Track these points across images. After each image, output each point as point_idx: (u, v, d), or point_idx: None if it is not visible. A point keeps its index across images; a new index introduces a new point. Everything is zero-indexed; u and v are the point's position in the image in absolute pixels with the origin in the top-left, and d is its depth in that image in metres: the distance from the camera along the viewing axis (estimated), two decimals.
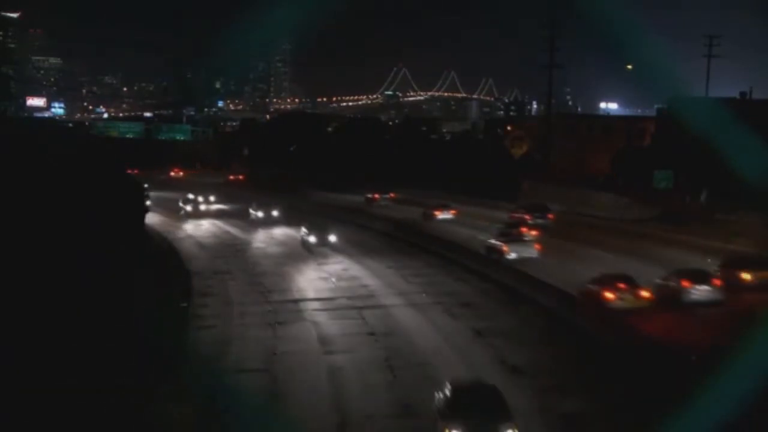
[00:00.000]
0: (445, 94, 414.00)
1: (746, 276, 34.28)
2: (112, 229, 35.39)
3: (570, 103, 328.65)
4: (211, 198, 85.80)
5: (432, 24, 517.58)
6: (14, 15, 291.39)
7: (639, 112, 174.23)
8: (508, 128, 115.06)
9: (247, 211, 72.55)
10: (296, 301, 38.59)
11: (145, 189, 69.61)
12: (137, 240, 45.70)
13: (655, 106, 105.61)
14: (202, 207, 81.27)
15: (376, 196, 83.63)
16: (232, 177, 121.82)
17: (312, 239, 52.94)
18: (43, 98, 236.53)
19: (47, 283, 26.23)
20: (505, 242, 45.48)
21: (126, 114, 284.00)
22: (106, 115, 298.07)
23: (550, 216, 60.98)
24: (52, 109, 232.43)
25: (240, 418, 23.20)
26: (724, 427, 18.15)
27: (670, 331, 28.10)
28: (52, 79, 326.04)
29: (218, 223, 71.73)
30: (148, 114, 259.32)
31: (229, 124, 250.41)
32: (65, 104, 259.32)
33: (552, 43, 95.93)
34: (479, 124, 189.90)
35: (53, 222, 30.01)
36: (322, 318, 34.99)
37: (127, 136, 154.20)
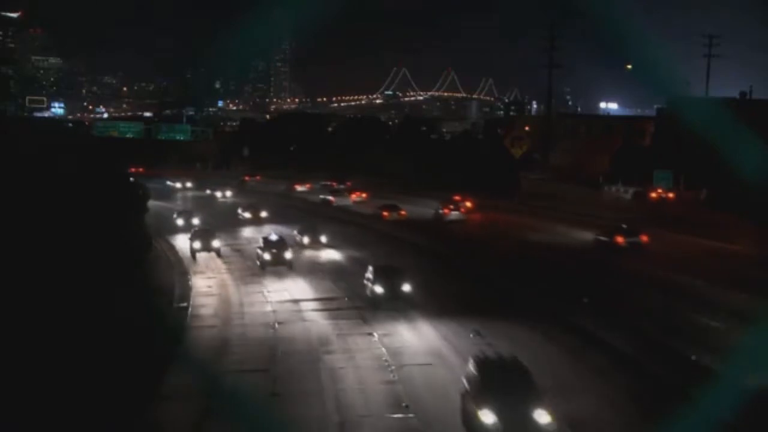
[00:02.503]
0: (445, 94, 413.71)
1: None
2: (111, 229, 35.41)
3: (570, 103, 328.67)
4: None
5: (432, 24, 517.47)
6: (14, 15, 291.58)
7: (639, 112, 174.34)
8: (508, 128, 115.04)
9: None
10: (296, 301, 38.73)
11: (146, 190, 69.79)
12: (137, 240, 45.71)
13: (655, 106, 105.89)
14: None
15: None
16: (247, 177, 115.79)
17: (379, 289, 35.18)
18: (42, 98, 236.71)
19: (45, 283, 26.22)
20: None
21: (126, 114, 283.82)
22: (106, 115, 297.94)
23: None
24: (52, 109, 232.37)
25: (240, 418, 23.24)
26: None
27: None
28: (52, 79, 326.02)
29: None
30: (148, 114, 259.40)
31: (229, 124, 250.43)
32: (65, 104, 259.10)
33: (552, 43, 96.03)
34: (479, 124, 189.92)
35: (52, 222, 30.01)
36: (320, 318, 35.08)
37: (127, 136, 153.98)
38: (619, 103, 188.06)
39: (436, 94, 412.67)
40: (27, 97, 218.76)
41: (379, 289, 34.78)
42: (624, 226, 48.60)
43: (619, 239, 46.97)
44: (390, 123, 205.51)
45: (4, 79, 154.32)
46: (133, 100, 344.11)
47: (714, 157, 42.26)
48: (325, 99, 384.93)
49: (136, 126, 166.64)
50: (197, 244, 50.82)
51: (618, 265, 41.54)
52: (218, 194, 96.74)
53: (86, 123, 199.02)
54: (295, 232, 55.33)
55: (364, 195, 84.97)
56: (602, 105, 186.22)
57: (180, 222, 64.06)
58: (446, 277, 42.73)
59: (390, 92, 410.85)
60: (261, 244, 46.80)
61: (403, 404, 23.53)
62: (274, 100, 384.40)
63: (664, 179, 65.35)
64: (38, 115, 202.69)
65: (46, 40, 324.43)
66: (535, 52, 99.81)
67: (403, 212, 65.97)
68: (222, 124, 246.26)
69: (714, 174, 53.75)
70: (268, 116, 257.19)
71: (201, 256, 50.85)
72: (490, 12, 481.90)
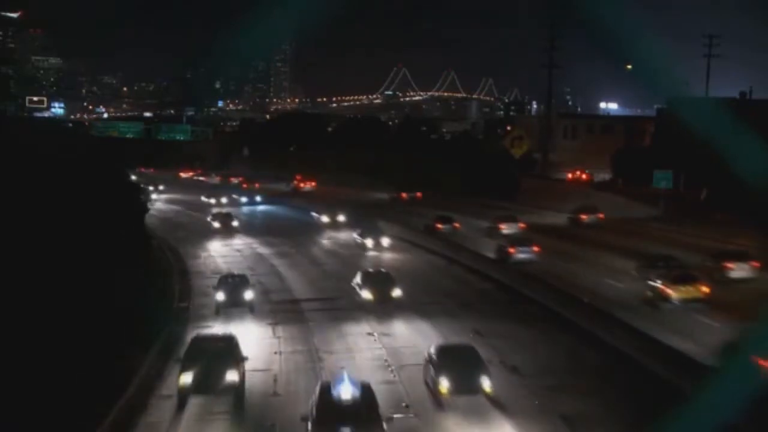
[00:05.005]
0: (445, 94, 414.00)
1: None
2: (111, 229, 35.42)
3: (570, 103, 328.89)
4: None
5: (432, 24, 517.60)
6: (14, 15, 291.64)
7: (639, 112, 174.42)
8: (508, 128, 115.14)
9: None
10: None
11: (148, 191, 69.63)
12: (137, 241, 45.68)
13: (655, 106, 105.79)
14: None
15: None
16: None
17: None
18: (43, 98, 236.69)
19: (45, 283, 26.22)
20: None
21: (126, 114, 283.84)
22: (106, 115, 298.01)
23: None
24: (52, 109, 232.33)
25: (240, 418, 23.24)
26: None
27: None
28: (52, 79, 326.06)
29: None
30: (148, 114, 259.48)
31: (229, 124, 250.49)
32: (65, 104, 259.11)
33: (552, 43, 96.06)
34: (479, 124, 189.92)
35: (52, 222, 30.01)
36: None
37: (127, 136, 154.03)
38: (619, 103, 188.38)
39: (436, 94, 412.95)
40: (27, 97, 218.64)
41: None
42: None
43: None
44: (390, 123, 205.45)
45: (4, 79, 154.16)
46: (133, 100, 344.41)
47: (714, 157, 42.23)
48: (325, 99, 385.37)
49: (136, 126, 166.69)
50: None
51: None
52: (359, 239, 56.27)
53: (86, 123, 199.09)
54: (356, 235, 55.01)
55: (312, 183, 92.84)
56: (602, 105, 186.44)
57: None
58: None
59: (390, 92, 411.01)
60: (217, 283, 37.46)
61: (403, 404, 23.56)
62: (274, 100, 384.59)
63: (664, 179, 65.29)
64: (38, 115, 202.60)
65: (46, 40, 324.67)
66: (535, 52, 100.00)
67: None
68: (222, 124, 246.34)
69: (714, 174, 53.75)
70: (268, 116, 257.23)
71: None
72: (491, 12, 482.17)
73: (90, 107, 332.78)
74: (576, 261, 46.33)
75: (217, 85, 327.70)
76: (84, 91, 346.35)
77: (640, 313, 32.89)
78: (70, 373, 22.50)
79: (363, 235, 53.84)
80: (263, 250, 54.90)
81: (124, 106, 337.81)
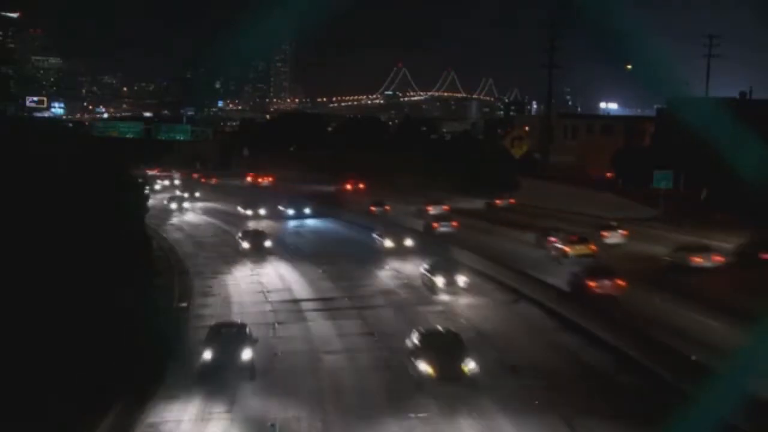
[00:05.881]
0: (445, 94, 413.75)
1: None
2: (111, 230, 35.35)
3: (570, 103, 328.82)
4: None
5: (432, 24, 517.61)
6: (14, 15, 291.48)
7: (639, 112, 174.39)
8: (508, 128, 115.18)
9: None
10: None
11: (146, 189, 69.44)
12: (137, 241, 45.58)
13: (655, 106, 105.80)
14: None
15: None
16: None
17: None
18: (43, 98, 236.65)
19: (43, 284, 26.19)
20: None
21: (126, 114, 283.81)
22: (106, 115, 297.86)
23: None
24: (52, 109, 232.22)
25: (240, 418, 23.24)
26: None
27: None
28: (52, 79, 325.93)
29: None
30: (148, 114, 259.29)
31: (229, 124, 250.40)
32: (65, 104, 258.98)
33: (552, 43, 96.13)
34: (479, 124, 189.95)
35: (51, 222, 29.97)
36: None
37: (127, 136, 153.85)
38: (619, 103, 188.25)
39: (436, 94, 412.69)
40: (27, 97, 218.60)
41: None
42: None
43: None
44: (390, 123, 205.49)
45: (4, 79, 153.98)
46: (133, 100, 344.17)
47: (714, 157, 42.25)
48: (325, 99, 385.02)
49: (135, 126, 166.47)
50: None
51: None
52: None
53: (86, 123, 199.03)
54: (423, 270, 41.01)
55: (269, 179, 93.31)
56: (602, 105, 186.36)
57: None
58: None
59: (390, 92, 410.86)
60: (205, 337, 28.15)
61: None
62: (274, 100, 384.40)
63: (664, 179, 65.27)
64: (38, 115, 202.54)
65: (46, 40, 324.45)
66: (535, 52, 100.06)
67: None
68: (222, 124, 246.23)
69: (714, 174, 53.79)
70: (268, 116, 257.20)
71: None
72: (491, 12, 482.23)
73: (90, 107, 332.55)
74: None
75: (217, 85, 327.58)
76: (84, 91, 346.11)
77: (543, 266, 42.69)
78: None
79: (432, 271, 40.04)
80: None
81: (124, 106, 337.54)
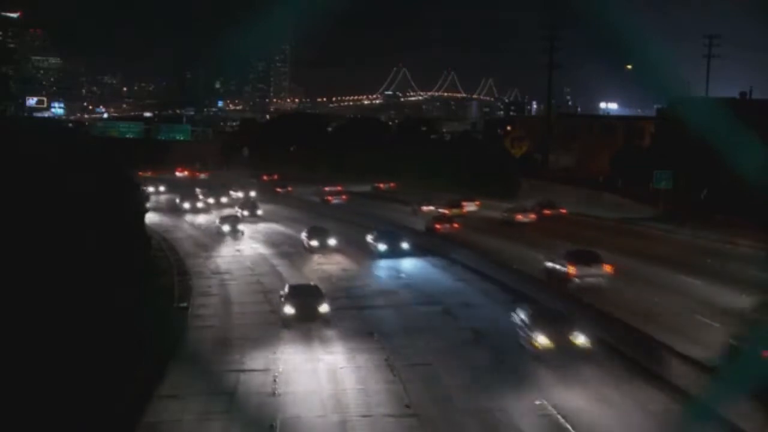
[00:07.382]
0: (445, 94, 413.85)
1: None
2: (111, 230, 35.38)
3: (570, 103, 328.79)
4: None
5: (432, 24, 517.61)
6: (14, 15, 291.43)
7: (639, 112, 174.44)
8: (508, 128, 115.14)
9: None
10: None
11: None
12: (137, 241, 45.65)
13: (655, 107, 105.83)
14: None
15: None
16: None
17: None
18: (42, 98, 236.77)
19: (43, 284, 26.21)
20: None
21: (126, 114, 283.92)
22: (106, 115, 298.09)
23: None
24: (52, 109, 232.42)
25: (240, 418, 23.25)
26: None
27: None
28: (52, 79, 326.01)
29: None
30: (148, 114, 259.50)
31: (229, 124, 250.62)
32: (65, 104, 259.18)
33: (552, 43, 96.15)
34: (479, 124, 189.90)
35: (51, 223, 29.99)
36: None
37: (127, 136, 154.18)
38: (619, 103, 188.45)
39: (436, 94, 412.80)
40: (27, 97, 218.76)
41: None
42: None
43: None
44: (390, 123, 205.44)
45: (4, 79, 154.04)
46: (133, 100, 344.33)
47: (714, 157, 42.27)
48: (324, 99, 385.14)
49: (135, 126, 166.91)
50: None
51: None
52: None
53: (86, 123, 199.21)
54: (519, 320, 28.65)
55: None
56: (602, 105, 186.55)
57: None
58: None
59: (390, 92, 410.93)
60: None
61: (404, 404, 23.58)
62: (274, 100, 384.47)
63: (664, 179, 65.25)
64: (38, 115, 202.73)
65: (46, 40, 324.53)
66: (535, 52, 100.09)
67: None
68: (222, 124, 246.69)
69: (714, 174, 53.81)
70: (268, 116, 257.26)
71: None
72: (491, 12, 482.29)
73: (90, 107, 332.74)
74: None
75: (217, 85, 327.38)
76: (84, 91, 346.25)
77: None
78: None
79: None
80: None
81: (124, 106, 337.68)
